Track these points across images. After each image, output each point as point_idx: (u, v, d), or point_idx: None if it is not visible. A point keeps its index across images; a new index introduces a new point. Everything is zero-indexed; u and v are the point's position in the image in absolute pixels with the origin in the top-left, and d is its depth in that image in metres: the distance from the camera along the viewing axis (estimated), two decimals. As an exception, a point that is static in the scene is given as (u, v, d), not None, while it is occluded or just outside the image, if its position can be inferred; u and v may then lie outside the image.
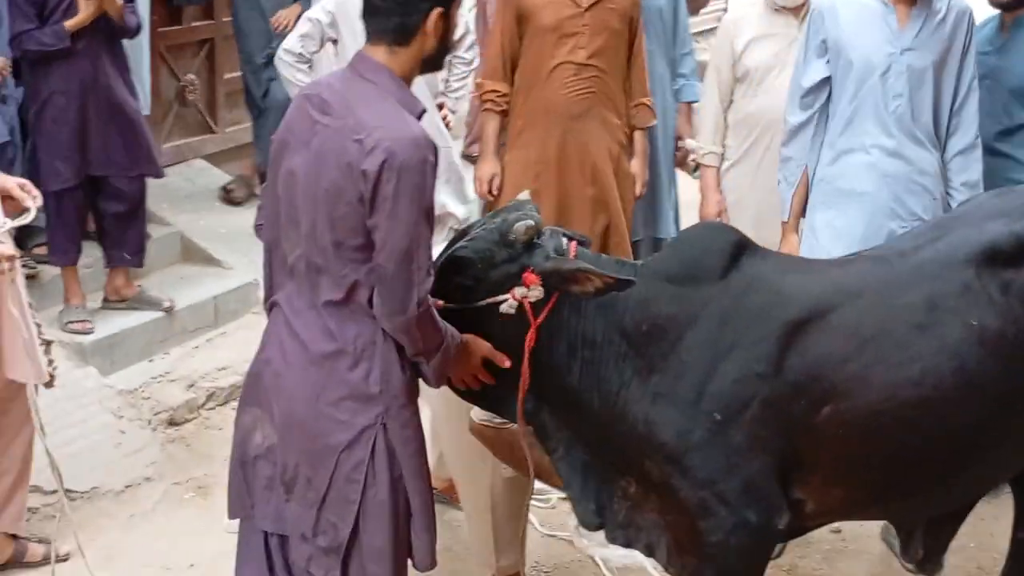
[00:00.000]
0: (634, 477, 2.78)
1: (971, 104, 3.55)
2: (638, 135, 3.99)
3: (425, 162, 2.27)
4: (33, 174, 4.22)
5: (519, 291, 2.52)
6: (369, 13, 2.34)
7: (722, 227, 3.01)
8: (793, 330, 2.58)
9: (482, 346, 2.61)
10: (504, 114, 3.86)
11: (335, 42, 4.20)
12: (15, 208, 3.27)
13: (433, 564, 2.66)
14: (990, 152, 3.69)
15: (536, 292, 2.53)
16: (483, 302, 2.58)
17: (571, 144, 3.82)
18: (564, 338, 2.63)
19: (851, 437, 2.59)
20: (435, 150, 2.29)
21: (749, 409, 2.57)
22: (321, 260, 2.40)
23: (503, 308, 2.52)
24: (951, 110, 3.56)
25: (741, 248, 2.68)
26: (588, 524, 2.89)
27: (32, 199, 3.24)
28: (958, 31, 3.46)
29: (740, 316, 2.62)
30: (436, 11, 2.30)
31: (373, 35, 2.35)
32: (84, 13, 4.27)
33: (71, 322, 4.58)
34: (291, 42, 4.10)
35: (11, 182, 3.32)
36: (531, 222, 2.55)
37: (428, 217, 2.34)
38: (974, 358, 2.54)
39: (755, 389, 2.58)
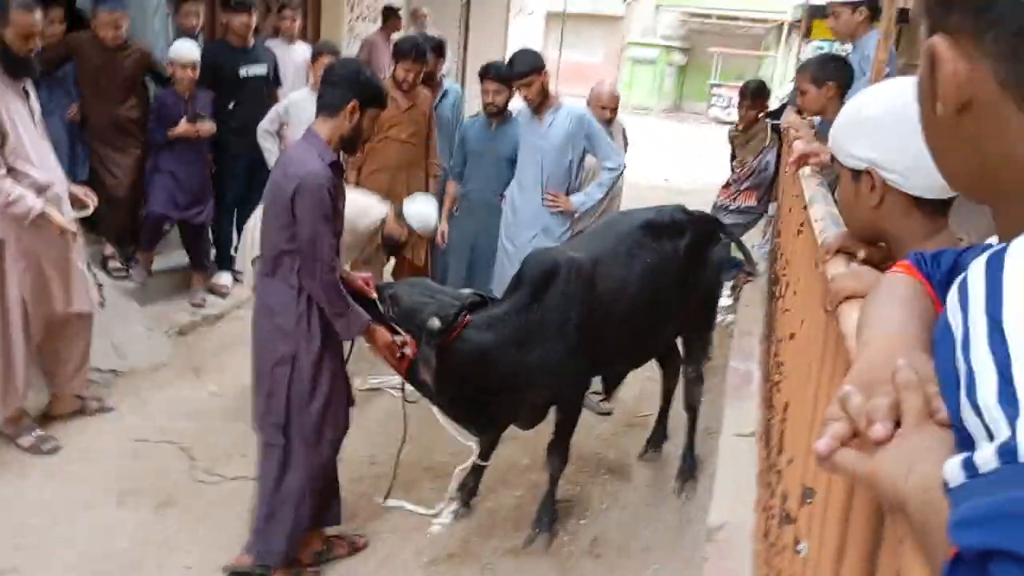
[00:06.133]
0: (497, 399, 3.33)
1: (583, 165, 4.68)
2: (431, 180, 5.30)
3: (321, 187, 2.57)
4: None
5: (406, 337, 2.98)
6: (320, 97, 2.76)
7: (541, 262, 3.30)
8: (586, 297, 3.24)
9: (384, 336, 2.87)
10: (359, 168, 5.05)
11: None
12: (82, 204, 3.95)
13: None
14: (498, 197, 4.91)
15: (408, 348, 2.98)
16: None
17: (399, 181, 5.10)
18: (454, 356, 3.02)
19: (604, 332, 3.33)
20: (328, 180, 2.59)
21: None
22: (267, 251, 2.77)
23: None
24: (574, 169, 4.69)
25: (550, 276, 3.21)
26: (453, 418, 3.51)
27: (92, 201, 3.91)
28: (579, 127, 4.53)
29: (544, 321, 3.21)
30: (353, 101, 2.66)
31: (318, 111, 2.74)
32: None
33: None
34: (264, 124, 5.26)
35: (78, 190, 3.96)
36: (437, 323, 2.86)
37: (326, 220, 2.61)
38: (647, 277, 3.41)
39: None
